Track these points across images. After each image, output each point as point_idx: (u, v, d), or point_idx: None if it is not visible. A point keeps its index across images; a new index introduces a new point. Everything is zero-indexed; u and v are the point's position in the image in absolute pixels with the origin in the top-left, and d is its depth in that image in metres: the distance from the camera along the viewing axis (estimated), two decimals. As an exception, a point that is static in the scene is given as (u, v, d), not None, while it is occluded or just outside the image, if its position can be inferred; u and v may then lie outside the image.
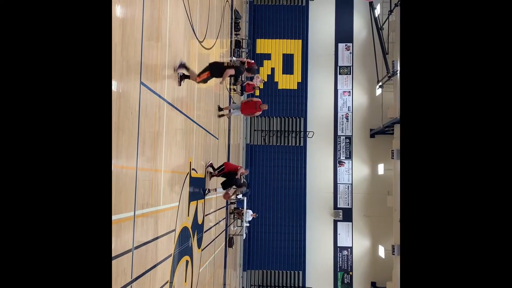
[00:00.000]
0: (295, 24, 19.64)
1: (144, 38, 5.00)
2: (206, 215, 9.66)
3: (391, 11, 15.76)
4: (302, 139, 19.09)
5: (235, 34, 15.40)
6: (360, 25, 19.73)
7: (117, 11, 4.28)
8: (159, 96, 5.76)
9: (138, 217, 4.88)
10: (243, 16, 17.57)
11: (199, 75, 7.02)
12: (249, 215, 15.20)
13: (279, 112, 19.23)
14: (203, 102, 9.04)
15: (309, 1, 19.82)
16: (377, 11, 17.58)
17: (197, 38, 8.29)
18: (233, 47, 14.83)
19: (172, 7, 6.32)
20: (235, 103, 13.73)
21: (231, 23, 14.44)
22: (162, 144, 5.98)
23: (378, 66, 17.18)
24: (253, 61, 14.72)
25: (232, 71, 7.32)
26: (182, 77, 6.72)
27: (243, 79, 14.49)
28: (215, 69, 7.20)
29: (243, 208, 14.88)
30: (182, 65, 6.62)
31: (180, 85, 6.68)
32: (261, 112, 11.22)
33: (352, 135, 19.37)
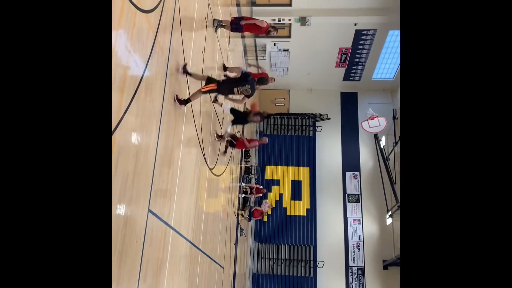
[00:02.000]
0: (303, 152, 20.35)
1: (156, 165, 5.15)
2: None
3: (396, 143, 16.38)
4: (311, 269, 18.22)
5: (245, 161, 15.90)
6: (366, 155, 20.32)
7: (133, 139, 4.49)
8: (166, 223, 5.69)
9: None
10: (253, 145, 18.30)
11: (205, 85, 6.44)
12: None
13: (287, 240, 18.73)
14: (210, 228, 8.89)
15: (316, 132, 20.85)
16: (382, 142, 18.28)
17: (207, 166, 8.53)
18: (242, 173, 15.18)
19: (185, 137, 6.64)
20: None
21: (241, 151, 15.01)
22: (164, 274, 5.70)
23: (386, 195, 17.20)
24: (261, 186, 14.94)
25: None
26: (185, 70, 6.20)
27: (251, 205, 14.50)
28: (224, 87, 6.53)
29: None
30: (185, 70, 6.29)
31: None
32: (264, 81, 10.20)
33: (364, 266, 18.47)
